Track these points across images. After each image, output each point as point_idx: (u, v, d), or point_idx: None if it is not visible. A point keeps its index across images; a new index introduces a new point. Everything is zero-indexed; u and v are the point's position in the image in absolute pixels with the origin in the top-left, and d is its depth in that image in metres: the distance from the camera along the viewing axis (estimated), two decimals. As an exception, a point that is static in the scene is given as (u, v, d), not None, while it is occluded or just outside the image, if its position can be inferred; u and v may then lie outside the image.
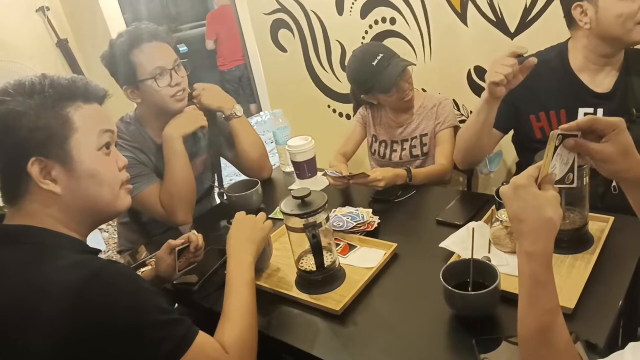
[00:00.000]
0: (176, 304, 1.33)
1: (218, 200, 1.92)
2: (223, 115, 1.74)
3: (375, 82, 1.73)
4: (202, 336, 0.86)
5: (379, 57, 1.71)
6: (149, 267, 1.32)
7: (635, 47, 1.41)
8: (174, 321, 0.83)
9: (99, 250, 0.93)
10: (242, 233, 1.16)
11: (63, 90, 0.87)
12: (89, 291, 0.75)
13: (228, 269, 1.08)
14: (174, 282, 1.28)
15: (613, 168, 0.77)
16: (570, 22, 1.41)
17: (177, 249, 1.23)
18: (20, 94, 0.84)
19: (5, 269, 0.81)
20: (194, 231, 1.31)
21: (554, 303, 0.73)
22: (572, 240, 1.13)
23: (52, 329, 0.74)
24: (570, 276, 1.05)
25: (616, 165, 0.77)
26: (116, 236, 2.81)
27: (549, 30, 1.53)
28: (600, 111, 1.40)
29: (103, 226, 3.43)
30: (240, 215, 1.22)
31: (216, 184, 1.85)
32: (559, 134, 0.77)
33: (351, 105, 2.13)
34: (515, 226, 0.74)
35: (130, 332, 0.77)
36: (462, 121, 2.10)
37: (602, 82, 1.40)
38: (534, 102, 1.47)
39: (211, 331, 0.94)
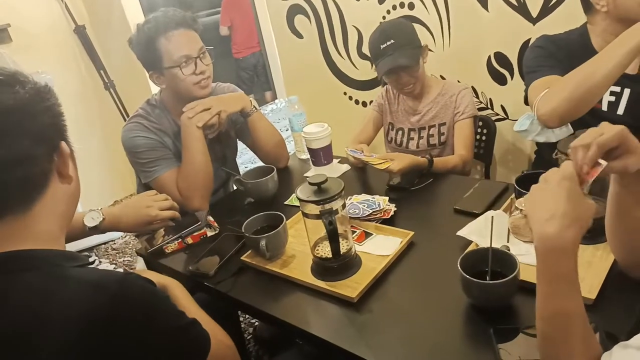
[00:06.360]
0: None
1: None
2: (242, 113, 1.70)
3: (377, 63, 1.75)
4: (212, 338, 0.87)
5: (388, 42, 1.69)
6: None
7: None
8: (193, 324, 0.84)
9: (90, 256, 0.87)
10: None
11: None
12: (116, 315, 0.70)
13: None
14: (190, 267, 1.29)
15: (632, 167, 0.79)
16: (587, 6, 1.38)
17: None
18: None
19: (13, 303, 0.70)
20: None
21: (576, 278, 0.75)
22: (593, 230, 1.09)
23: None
24: (592, 267, 1.03)
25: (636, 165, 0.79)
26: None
27: (572, 15, 1.49)
28: (626, 91, 1.37)
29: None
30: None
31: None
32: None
33: (367, 92, 2.11)
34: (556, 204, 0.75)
35: (169, 339, 0.77)
36: (481, 109, 2.07)
37: None
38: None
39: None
